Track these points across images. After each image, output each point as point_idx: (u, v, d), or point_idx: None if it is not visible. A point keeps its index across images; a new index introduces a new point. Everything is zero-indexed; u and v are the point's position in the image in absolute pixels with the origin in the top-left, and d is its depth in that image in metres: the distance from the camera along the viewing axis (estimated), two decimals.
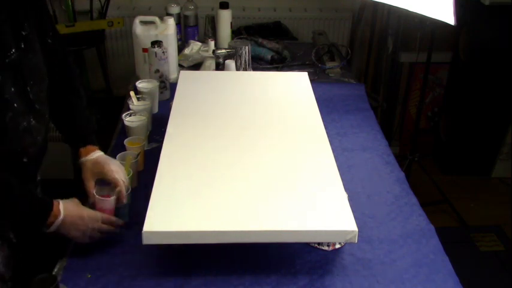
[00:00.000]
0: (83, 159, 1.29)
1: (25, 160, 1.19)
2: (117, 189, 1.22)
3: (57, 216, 1.11)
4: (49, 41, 1.26)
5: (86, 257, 1.17)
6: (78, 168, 1.31)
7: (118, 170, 1.26)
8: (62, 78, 1.32)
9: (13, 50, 1.10)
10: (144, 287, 1.10)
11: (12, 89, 1.10)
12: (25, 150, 1.18)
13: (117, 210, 1.25)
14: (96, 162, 1.28)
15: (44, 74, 1.22)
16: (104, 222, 1.17)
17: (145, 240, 1.04)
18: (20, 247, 1.24)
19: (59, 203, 1.13)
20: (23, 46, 1.14)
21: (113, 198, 1.21)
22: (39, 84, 1.20)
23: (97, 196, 1.20)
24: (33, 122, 1.18)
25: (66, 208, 1.13)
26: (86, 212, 1.16)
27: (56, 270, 1.14)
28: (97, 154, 1.30)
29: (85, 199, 1.23)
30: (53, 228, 1.12)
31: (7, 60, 1.09)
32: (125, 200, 1.24)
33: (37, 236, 1.20)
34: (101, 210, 1.19)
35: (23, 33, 1.15)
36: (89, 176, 1.27)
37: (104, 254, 1.18)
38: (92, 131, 1.36)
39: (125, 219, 1.27)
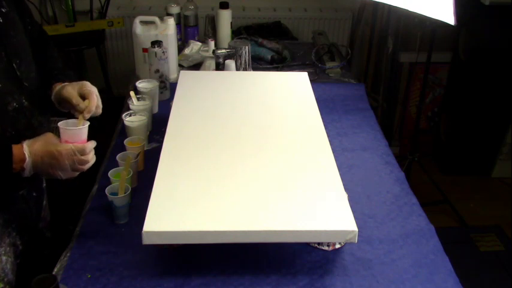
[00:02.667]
0: (56, 89, 1.22)
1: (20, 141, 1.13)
2: (85, 102, 1.15)
3: (23, 159, 1.05)
4: (29, 27, 1.24)
5: (86, 257, 1.17)
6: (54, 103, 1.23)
7: (93, 87, 1.21)
8: (44, 62, 1.29)
9: None
10: (144, 287, 1.10)
11: None
12: (21, 133, 1.13)
13: (117, 210, 1.25)
14: (69, 84, 1.21)
15: (30, 55, 1.19)
16: (79, 152, 1.09)
17: (145, 240, 1.04)
18: (27, 256, 1.23)
19: (22, 146, 1.07)
20: (1, 21, 1.10)
21: (82, 127, 1.13)
22: (28, 64, 1.17)
23: (62, 127, 1.11)
24: (26, 103, 1.15)
25: (32, 149, 1.07)
26: (56, 148, 1.08)
27: (56, 270, 1.14)
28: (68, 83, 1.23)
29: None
30: (27, 172, 1.07)
31: None
32: (99, 110, 1.20)
33: (41, 242, 1.19)
34: (72, 142, 1.10)
35: (3, 10, 1.13)
36: (69, 93, 1.18)
37: (104, 254, 1.18)
38: (65, 72, 1.31)
39: (125, 219, 1.28)
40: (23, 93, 1.15)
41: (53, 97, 1.23)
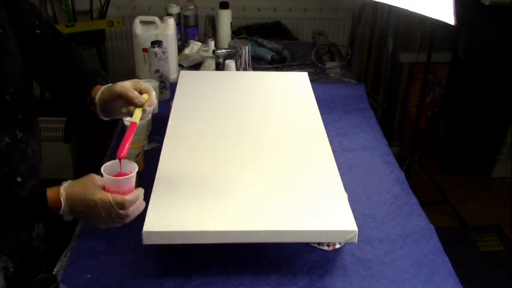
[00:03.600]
0: (102, 89, 1.11)
1: (19, 180, 1.06)
2: (144, 96, 1.02)
3: (58, 205, 0.95)
4: (37, 31, 1.13)
5: (86, 257, 1.17)
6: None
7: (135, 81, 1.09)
8: (64, 63, 1.20)
9: None
10: (144, 287, 1.10)
11: None
12: (16, 167, 1.05)
13: None
14: (120, 82, 1.09)
15: (25, 76, 1.07)
16: (117, 206, 0.94)
17: (145, 240, 1.04)
18: (18, 272, 1.14)
19: (58, 190, 0.96)
20: None
21: (127, 177, 0.96)
22: (22, 90, 1.05)
23: (106, 176, 0.95)
24: (20, 134, 1.05)
25: (69, 195, 0.95)
26: (93, 197, 0.94)
27: (56, 270, 1.14)
28: (106, 85, 1.13)
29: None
30: (66, 217, 0.97)
31: None
32: (156, 108, 1.05)
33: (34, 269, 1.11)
34: (117, 192, 0.95)
35: None
36: (124, 87, 1.06)
37: (103, 254, 1.18)
38: (101, 72, 1.20)
39: None
40: (17, 125, 1.04)
41: (97, 99, 1.11)
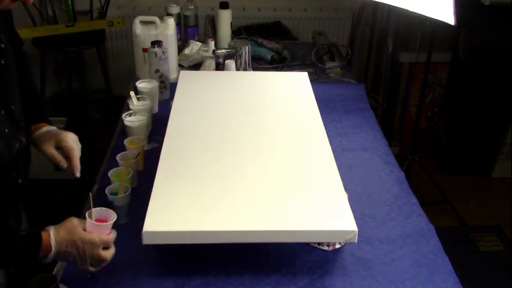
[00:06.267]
0: (34, 134, 1.22)
1: (20, 181, 1.14)
2: (109, 216, 1.09)
3: (49, 249, 1.00)
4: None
5: None
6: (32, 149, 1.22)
7: (73, 137, 1.22)
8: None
9: None
10: (144, 287, 1.10)
11: (2, 112, 1.04)
12: (21, 173, 1.13)
13: (117, 210, 1.25)
14: (48, 132, 1.22)
15: (17, 89, 1.14)
16: (103, 244, 1.04)
17: (145, 240, 1.04)
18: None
19: (49, 235, 1.01)
20: (3, 62, 1.07)
21: (109, 223, 1.07)
22: (19, 103, 1.13)
23: (90, 221, 1.05)
24: (24, 140, 1.14)
25: (57, 239, 1.01)
26: (81, 238, 1.02)
27: (56, 270, 1.14)
28: (50, 128, 1.24)
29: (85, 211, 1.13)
30: (48, 260, 1.02)
31: None
32: (77, 174, 1.19)
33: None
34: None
35: (2, 45, 1.08)
36: (45, 145, 1.19)
37: None
38: (41, 109, 1.29)
39: (125, 220, 1.28)
40: (22, 132, 1.14)
41: (32, 138, 1.22)
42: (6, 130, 1.06)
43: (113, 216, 1.08)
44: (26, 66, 1.28)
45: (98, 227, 1.05)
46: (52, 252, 1.00)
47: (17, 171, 1.12)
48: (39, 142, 1.21)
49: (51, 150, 1.19)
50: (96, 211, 1.08)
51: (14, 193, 1.13)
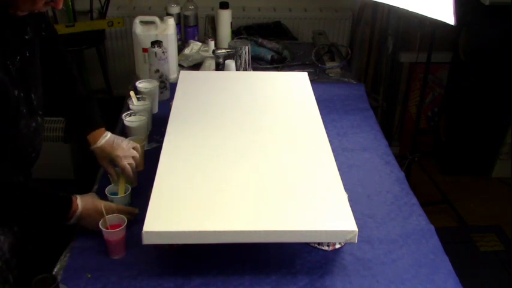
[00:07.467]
0: (92, 147, 1.36)
1: (33, 155, 1.24)
2: (125, 213, 1.21)
3: (75, 211, 1.17)
4: (43, 33, 1.25)
5: (86, 257, 1.17)
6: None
7: (125, 154, 1.34)
8: (59, 67, 1.35)
9: (18, 58, 1.10)
10: (144, 287, 1.10)
11: (22, 94, 1.12)
12: (35, 147, 1.23)
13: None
14: (102, 150, 1.34)
15: (40, 79, 1.22)
16: (119, 212, 1.20)
17: (145, 240, 1.04)
18: (24, 237, 1.26)
19: (76, 198, 1.18)
20: (27, 54, 1.14)
21: (123, 227, 1.16)
22: (40, 93, 1.21)
23: (103, 229, 1.15)
24: (40, 119, 1.22)
25: (83, 202, 1.18)
26: (102, 204, 1.19)
27: (56, 270, 1.14)
28: (103, 140, 1.35)
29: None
30: (72, 221, 1.18)
31: (14, 69, 1.09)
32: (134, 183, 1.35)
33: (40, 230, 1.27)
34: (110, 241, 1.16)
35: (26, 37, 1.13)
36: (101, 161, 1.36)
37: (104, 254, 1.18)
38: (94, 114, 1.38)
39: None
40: (38, 115, 1.22)
41: (93, 147, 1.36)
42: (24, 110, 1.14)
43: (124, 221, 1.17)
44: (63, 54, 1.38)
45: (112, 234, 1.15)
46: (78, 212, 1.16)
47: (32, 146, 1.21)
48: (98, 157, 1.37)
49: (110, 170, 1.36)
50: (109, 219, 1.17)
51: (28, 165, 1.24)
